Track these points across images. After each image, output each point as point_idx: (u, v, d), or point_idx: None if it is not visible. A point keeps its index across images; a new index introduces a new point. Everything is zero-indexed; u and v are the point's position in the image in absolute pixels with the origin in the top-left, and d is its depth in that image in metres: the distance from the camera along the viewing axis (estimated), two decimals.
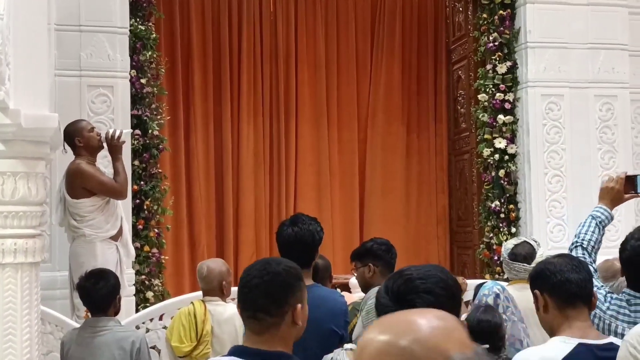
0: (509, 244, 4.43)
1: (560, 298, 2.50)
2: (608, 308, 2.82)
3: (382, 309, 1.73)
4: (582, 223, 3.35)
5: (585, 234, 3.27)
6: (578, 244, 3.28)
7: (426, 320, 1.06)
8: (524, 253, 4.28)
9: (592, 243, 3.23)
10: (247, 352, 2.03)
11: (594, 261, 3.21)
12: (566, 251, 3.31)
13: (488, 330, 3.37)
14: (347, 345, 2.78)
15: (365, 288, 3.96)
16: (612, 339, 2.50)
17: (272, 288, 2.06)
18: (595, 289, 2.65)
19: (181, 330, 4.42)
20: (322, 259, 4.69)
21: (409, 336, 1.03)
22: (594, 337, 2.46)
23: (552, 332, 2.54)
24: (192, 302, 4.59)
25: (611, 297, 2.86)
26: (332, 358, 2.75)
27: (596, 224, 3.28)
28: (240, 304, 2.10)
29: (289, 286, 2.08)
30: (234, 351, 2.08)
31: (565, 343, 2.44)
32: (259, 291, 2.05)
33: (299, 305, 2.07)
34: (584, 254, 3.18)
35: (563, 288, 2.50)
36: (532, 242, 4.40)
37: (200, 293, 4.76)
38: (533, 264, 4.25)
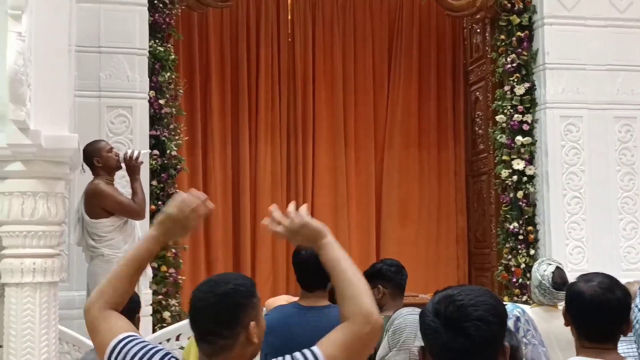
0: (545, 272, 4.38)
1: (583, 333, 2.48)
2: None
3: (432, 334, 1.70)
4: None
5: None
6: None
7: None
8: (564, 280, 4.34)
9: None
10: None
11: None
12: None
13: None
14: None
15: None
16: None
17: (221, 310, 1.96)
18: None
19: (198, 351, 4.40)
20: None
21: None
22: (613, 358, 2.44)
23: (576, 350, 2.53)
24: None
25: None
26: None
27: None
28: (191, 327, 2.02)
29: (239, 306, 1.98)
30: None
31: None
32: (207, 314, 1.97)
33: (252, 323, 1.98)
34: None
35: (590, 326, 2.48)
36: (561, 265, 4.43)
37: None
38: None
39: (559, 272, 4.34)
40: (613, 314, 2.48)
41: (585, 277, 2.64)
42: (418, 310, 2.56)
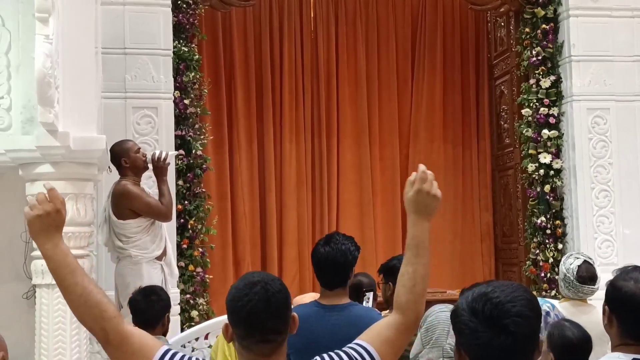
0: (571, 265, 4.36)
1: (628, 332, 2.45)
2: None
3: (471, 333, 1.68)
4: None
5: None
6: None
7: None
8: (590, 274, 4.33)
9: None
10: None
11: None
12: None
13: None
14: None
15: (388, 304, 3.93)
16: None
17: (279, 307, 2.00)
18: None
19: (226, 349, 4.42)
20: (366, 277, 4.66)
21: None
22: None
23: (612, 345, 2.50)
24: None
25: None
26: None
27: None
28: (242, 331, 1.99)
29: (288, 300, 2.05)
30: None
31: (619, 359, 2.40)
32: (267, 314, 1.98)
33: (295, 314, 2.05)
34: None
35: (633, 324, 2.44)
36: (591, 261, 4.40)
37: None
38: (598, 284, 4.24)
39: (585, 266, 4.31)
40: None
41: (631, 276, 2.57)
42: (450, 306, 2.55)
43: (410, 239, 2.12)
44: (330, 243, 3.32)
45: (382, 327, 2.02)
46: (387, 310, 4.24)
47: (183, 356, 2.08)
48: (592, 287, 4.27)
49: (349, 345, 2.01)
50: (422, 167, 2.20)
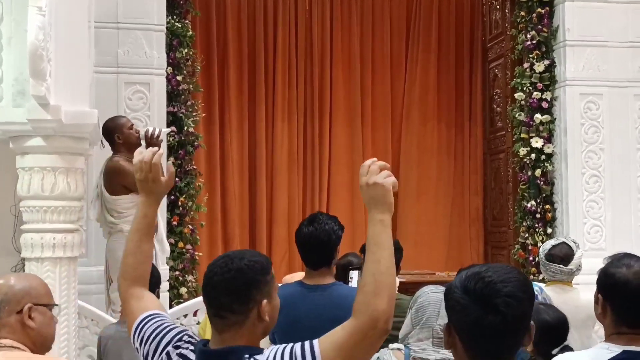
0: (547, 245, 4.36)
1: (623, 320, 2.44)
2: None
3: (461, 311, 1.69)
4: None
5: None
6: None
7: None
8: (562, 255, 4.22)
9: None
10: (206, 354, 1.97)
11: None
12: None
13: None
14: (392, 345, 2.74)
15: None
16: None
17: (235, 285, 1.95)
18: None
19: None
20: (355, 257, 4.66)
21: None
22: None
23: (605, 335, 2.49)
24: None
25: None
26: (377, 358, 2.71)
27: None
28: (205, 302, 2.02)
29: (253, 282, 1.97)
30: (196, 349, 2.01)
31: (608, 350, 2.39)
32: (221, 289, 1.95)
33: (265, 301, 1.96)
34: None
35: (634, 314, 2.44)
36: (571, 243, 4.32)
37: None
38: (571, 266, 4.20)
39: (561, 247, 4.25)
40: None
41: (623, 262, 2.56)
42: (441, 288, 2.54)
43: (367, 238, 2.00)
44: (313, 223, 3.32)
45: (338, 327, 1.91)
46: None
47: (159, 321, 2.12)
48: (562, 267, 4.15)
49: (303, 342, 1.96)
50: (367, 162, 2.09)
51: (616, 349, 2.37)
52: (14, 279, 2.41)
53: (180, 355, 2.02)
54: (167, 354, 2.04)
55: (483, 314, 1.66)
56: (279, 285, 3.02)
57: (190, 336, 2.09)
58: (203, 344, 2.01)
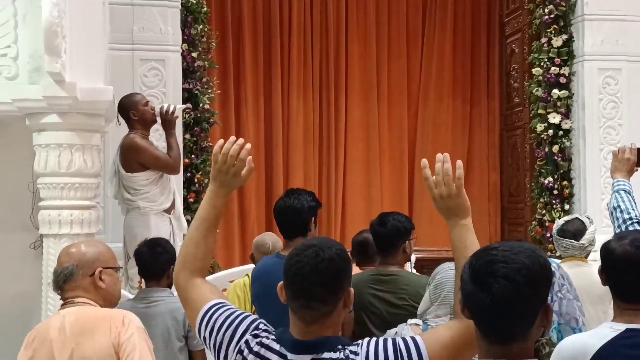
0: (560, 221, 4.35)
1: (617, 293, 2.45)
2: None
3: (463, 284, 1.68)
4: (618, 198, 3.28)
5: (633, 209, 3.21)
6: (634, 220, 3.19)
7: None
8: (573, 230, 4.19)
9: None
10: (299, 344, 1.93)
11: None
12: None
13: None
14: (411, 321, 2.75)
15: None
16: None
17: (328, 276, 1.92)
18: None
19: (235, 301, 4.44)
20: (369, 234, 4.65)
21: None
22: None
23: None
24: (247, 275, 4.61)
25: None
26: (396, 333, 2.73)
27: (631, 197, 3.24)
28: (290, 292, 1.96)
29: (342, 271, 1.96)
30: (281, 339, 1.96)
31: (611, 329, 2.39)
32: (313, 280, 1.91)
33: (351, 289, 1.97)
34: None
35: (622, 285, 2.44)
36: (584, 219, 4.30)
37: (252, 266, 4.77)
38: (582, 241, 4.19)
39: (573, 222, 4.24)
40: None
41: (619, 235, 2.59)
42: None
43: (452, 241, 2.06)
44: (289, 195, 3.53)
45: (442, 326, 1.93)
46: None
47: (230, 310, 2.09)
48: (573, 242, 4.13)
49: (403, 337, 1.96)
50: (437, 165, 2.12)
51: (619, 327, 2.38)
52: (84, 246, 2.83)
53: (260, 343, 1.98)
54: (247, 342, 2.00)
55: (475, 291, 1.65)
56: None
57: (265, 324, 2.05)
58: (282, 331, 1.98)
